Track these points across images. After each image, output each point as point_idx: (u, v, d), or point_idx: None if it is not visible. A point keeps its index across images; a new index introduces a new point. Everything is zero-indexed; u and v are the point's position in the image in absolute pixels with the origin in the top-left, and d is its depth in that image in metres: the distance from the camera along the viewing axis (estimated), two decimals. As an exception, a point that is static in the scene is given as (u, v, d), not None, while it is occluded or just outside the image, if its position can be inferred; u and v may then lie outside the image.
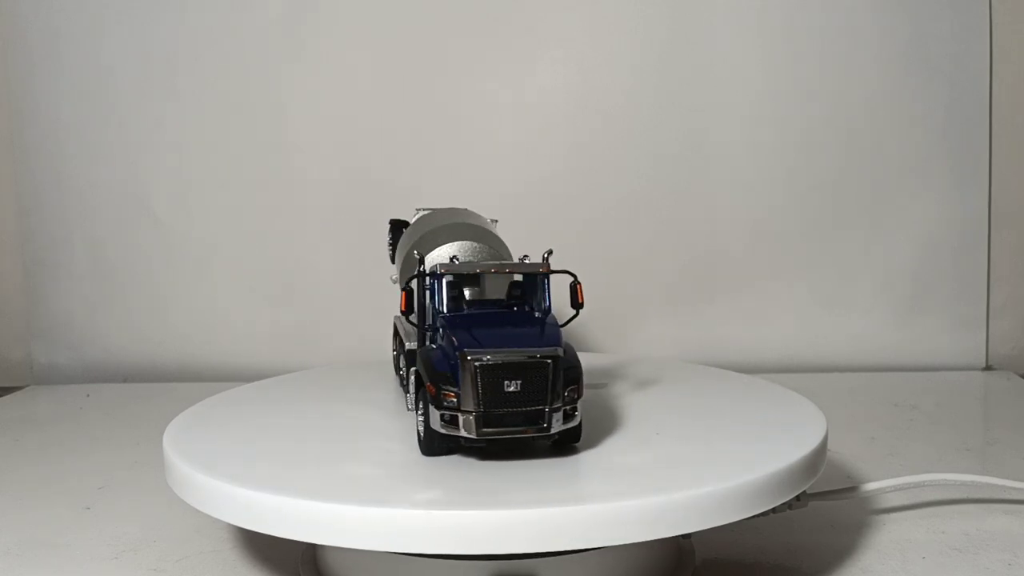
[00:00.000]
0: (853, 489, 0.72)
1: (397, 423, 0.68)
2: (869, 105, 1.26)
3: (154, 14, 1.27)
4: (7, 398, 1.23)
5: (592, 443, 0.64)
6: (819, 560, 0.67)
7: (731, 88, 1.26)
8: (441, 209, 0.83)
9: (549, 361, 0.57)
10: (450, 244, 0.73)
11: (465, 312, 0.63)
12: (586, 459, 0.61)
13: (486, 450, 0.60)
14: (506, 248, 0.76)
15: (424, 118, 1.28)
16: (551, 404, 0.57)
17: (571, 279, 0.64)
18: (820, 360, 1.28)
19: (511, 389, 0.57)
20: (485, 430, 0.57)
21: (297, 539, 0.53)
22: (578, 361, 0.60)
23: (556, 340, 0.59)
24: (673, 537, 0.62)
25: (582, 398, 0.59)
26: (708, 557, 0.67)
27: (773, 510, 0.58)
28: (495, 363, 0.57)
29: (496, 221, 0.84)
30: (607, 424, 0.69)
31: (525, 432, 0.57)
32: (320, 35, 1.27)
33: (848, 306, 1.28)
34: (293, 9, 1.27)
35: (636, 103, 1.26)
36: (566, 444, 0.61)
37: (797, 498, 0.61)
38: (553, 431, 0.58)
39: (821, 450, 0.63)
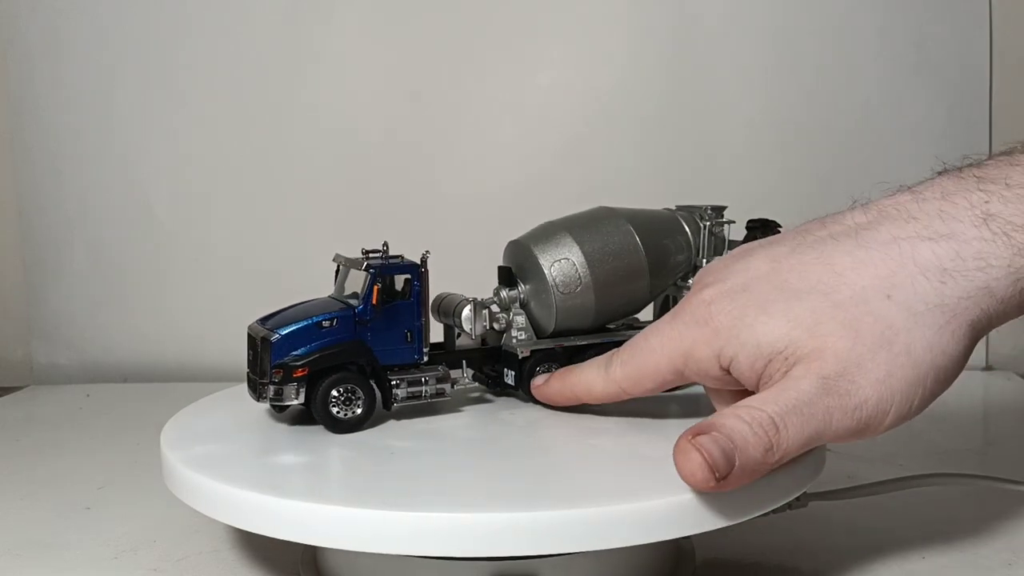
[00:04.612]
0: (853, 489, 0.72)
1: (397, 423, 0.68)
2: (869, 105, 1.26)
3: (154, 15, 1.27)
4: (7, 398, 1.23)
5: (591, 444, 0.64)
6: (819, 560, 0.67)
7: (731, 89, 1.26)
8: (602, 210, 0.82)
9: (258, 341, 0.65)
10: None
11: (321, 297, 0.73)
12: (586, 461, 0.61)
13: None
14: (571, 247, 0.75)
15: (425, 118, 1.27)
16: (261, 378, 0.65)
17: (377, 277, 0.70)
18: (820, 360, 1.27)
19: (251, 358, 0.67)
20: (248, 388, 0.67)
21: (294, 541, 0.53)
22: (315, 354, 0.64)
23: (280, 326, 0.65)
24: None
25: (299, 385, 0.64)
26: (708, 557, 0.67)
27: (773, 510, 0.58)
28: (249, 334, 0.67)
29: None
30: (605, 425, 0.69)
31: (258, 398, 0.66)
32: (321, 36, 1.27)
33: (848, 306, 1.28)
34: (294, 10, 1.27)
35: (636, 104, 1.26)
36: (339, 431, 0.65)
37: (797, 498, 0.61)
38: (262, 401, 0.65)
39: (821, 450, 0.62)
